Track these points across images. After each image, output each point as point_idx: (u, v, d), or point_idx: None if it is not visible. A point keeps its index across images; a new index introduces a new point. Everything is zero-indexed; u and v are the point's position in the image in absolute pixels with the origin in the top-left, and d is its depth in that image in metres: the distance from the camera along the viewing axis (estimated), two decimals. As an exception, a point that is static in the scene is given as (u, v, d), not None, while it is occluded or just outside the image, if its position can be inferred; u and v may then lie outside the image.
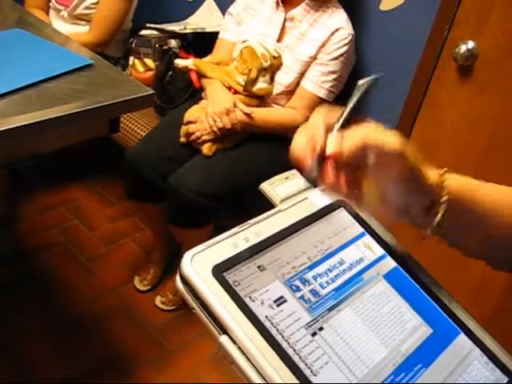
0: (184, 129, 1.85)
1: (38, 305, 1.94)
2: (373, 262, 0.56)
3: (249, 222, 0.53)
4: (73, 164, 2.58)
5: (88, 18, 2.18)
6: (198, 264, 0.47)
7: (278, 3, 1.87)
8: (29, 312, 1.91)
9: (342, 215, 0.59)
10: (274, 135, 1.89)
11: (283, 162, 1.97)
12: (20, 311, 1.91)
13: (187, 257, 0.47)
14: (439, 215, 0.52)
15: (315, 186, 0.61)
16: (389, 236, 0.60)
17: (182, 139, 1.86)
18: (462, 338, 0.53)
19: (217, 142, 1.81)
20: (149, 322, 2.01)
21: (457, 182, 0.54)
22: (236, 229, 0.52)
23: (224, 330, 0.44)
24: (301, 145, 0.51)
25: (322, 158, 0.49)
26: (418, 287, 0.56)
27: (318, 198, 0.59)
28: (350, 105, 0.53)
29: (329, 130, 0.51)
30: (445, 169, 0.54)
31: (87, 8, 2.17)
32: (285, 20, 1.87)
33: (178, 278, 0.48)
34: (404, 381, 0.47)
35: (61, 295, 2.02)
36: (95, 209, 2.48)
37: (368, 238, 0.58)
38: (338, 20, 1.80)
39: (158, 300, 2.08)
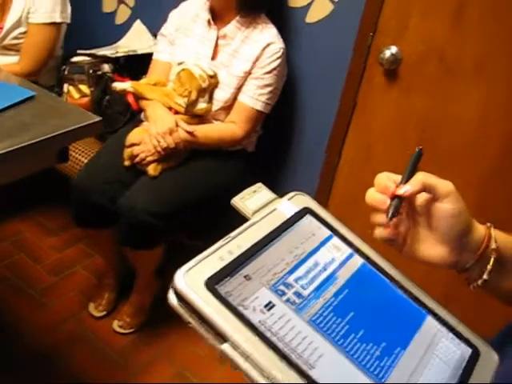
0: (128, 151, 1.86)
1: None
2: (343, 261, 0.61)
3: (230, 235, 0.57)
4: (13, 197, 2.52)
5: (17, 48, 2.16)
6: (191, 280, 0.51)
7: (209, 22, 1.92)
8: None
9: (309, 221, 0.64)
10: (217, 150, 1.94)
11: (227, 176, 2.03)
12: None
13: (180, 274, 0.51)
14: (490, 262, 0.59)
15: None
16: (352, 236, 0.65)
17: (127, 162, 1.87)
18: (429, 319, 0.60)
19: (162, 161, 1.84)
20: (109, 347, 2.00)
21: (500, 235, 0.61)
22: (219, 243, 0.56)
23: (224, 339, 0.48)
24: (373, 194, 0.61)
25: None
26: (385, 279, 0.62)
27: (286, 208, 0.64)
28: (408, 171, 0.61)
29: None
30: (489, 224, 0.62)
31: (15, 38, 2.14)
32: (217, 38, 1.92)
33: (171, 296, 0.51)
34: (388, 363, 0.52)
35: (14, 330, 1.98)
36: (40, 240, 2.43)
37: (335, 240, 0.63)
38: (269, 35, 1.88)
39: (116, 324, 2.08)
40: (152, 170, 1.83)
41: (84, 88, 2.21)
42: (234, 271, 0.53)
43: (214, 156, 1.94)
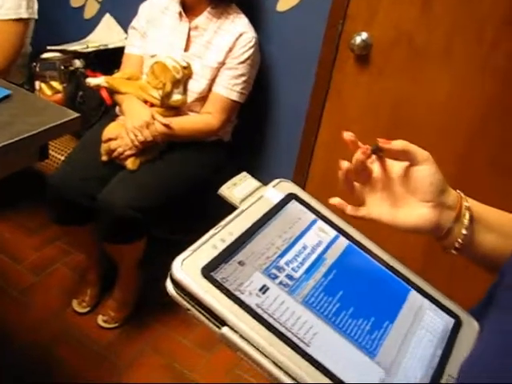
0: (105, 146, 1.86)
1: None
2: (329, 243, 0.64)
3: (220, 224, 0.59)
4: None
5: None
6: (187, 268, 0.53)
7: (180, 14, 1.92)
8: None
9: (295, 206, 0.67)
10: (194, 141, 1.96)
11: (205, 167, 2.04)
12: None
13: (177, 263, 0.53)
14: (466, 217, 0.63)
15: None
16: (336, 218, 0.68)
17: (104, 157, 1.87)
18: (414, 293, 0.63)
19: (140, 155, 1.84)
20: (95, 343, 2.00)
21: (470, 200, 0.66)
22: (211, 232, 0.58)
23: (223, 323, 0.50)
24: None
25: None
26: (370, 258, 0.65)
27: (272, 195, 0.67)
28: None
29: None
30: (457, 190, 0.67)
31: (-18, 36, 2.10)
32: (189, 29, 1.93)
33: (169, 284, 0.53)
34: (378, 336, 0.55)
35: (-1, 331, 1.98)
36: (18, 240, 2.41)
37: (321, 223, 0.66)
38: (241, 25, 1.89)
39: (100, 319, 2.08)
40: (131, 164, 1.83)
41: (56, 84, 2.19)
42: (228, 258, 0.55)
43: (191, 147, 1.95)
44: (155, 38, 1.97)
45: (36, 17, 2.20)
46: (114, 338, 2.04)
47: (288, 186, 0.69)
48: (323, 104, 2.04)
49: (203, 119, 1.95)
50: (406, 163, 0.65)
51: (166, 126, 1.84)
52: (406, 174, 0.65)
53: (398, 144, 0.63)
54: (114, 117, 1.99)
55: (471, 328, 0.63)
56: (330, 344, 0.52)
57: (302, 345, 0.51)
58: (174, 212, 2.06)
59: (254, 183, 0.68)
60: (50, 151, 2.06)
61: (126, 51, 2.04)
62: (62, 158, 2.05)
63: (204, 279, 0.52)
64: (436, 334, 0.60)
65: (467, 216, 0.64)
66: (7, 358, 1.87)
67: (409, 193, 0.65)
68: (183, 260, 0.53)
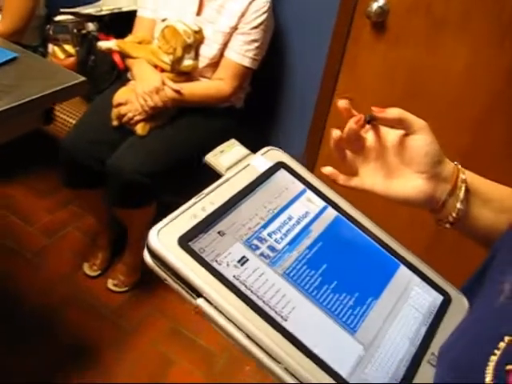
0: (115, 111, 1.85)
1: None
2: (317, 213, 0.62)
3: (203, 192, 0.58)
4: (2, 160, 2.51)
5: (-2, 8, 2.11)
6: (164, 238, 0.51)
7: (193, -23, 1.88)
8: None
9: (283, 175, 0.64)
10: (205, 107, 1.93)
11: (216, 133, 2.03)
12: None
13: (153, 232, 0.51)
14: (462, 189, 0.61)
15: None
16: (327, 189, 0.66)
17: (114, 122, 1.86)
18: (402, 268, 0.61)
19: (149, 120, 1.83)
20: (104, 306, 2.03)
21: (468, 172, 0.63)
22: (193, 200, 0.56)
23: (198, 294, 0.49)
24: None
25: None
26: (359, 230, 0.63)
27: (260, 163, 0.64)
28: None
29: None
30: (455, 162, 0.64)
31: (-5, -2, 2.09)
32: (202, -7, 1.88)
33: (146, 254, 0.52)
34: (360, 312, 0.54)
35: (12, 292, 2.01)
36: (31, 203, 2.44)
37: (309, 193, 0.64)
38: (255, -11, 1.84)
39: (110, 283, 2.11)
40: (140, 129, 1.82)
41: (69, 48, 2.17)
42: (208, 228, 0.54)
43: (202, 113, 1.93)
44: (167, 2, 1.93)
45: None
46: (123, 302, 2.07)
47: (277, 155, 0.66)
48: (338, 71, 1.99)
49: (215, 85, 1.92)
50: (402, 132, 0.62)
51: (177, 91, 1.82)
52: (401, 144, 0.62)
53: (394, 112, 0.61)
54: (125, 81, 1.97)
55: (461, 305, 0.61)
56: (308, 319, 0.51)
57: (278, 319, 0.49)
58: (183, 177, 2.05)
59: (242, 151, 0.66)
60: (62, 115, 2.06)
61: (138, 14, 2.01)
62: (74, 122, 2.04)
63: (180, 249, 0.51)
64: (422, 310, 0.58)
65: (463, 189, 0.61)
66: (17, 319, 1.91)
67: (403, 164, 0.63)
68: (160, 229, 0.52)
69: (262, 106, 2.23)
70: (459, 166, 0.63)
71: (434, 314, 0.58)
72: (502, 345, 0.41)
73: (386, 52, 1.86)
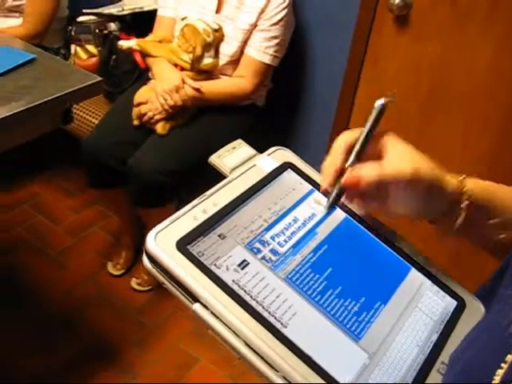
0: (136, 111, 1.85)
1: (14, 304, 1.94)
2: (324, 215, 0.60)
3: (205, 193, 0.56)
4: (29, 160, 2.55)
5: (20, 9, 2.13)
6: (162, 241, 0.50)
7: (212, -26, 1.87)
8: (4, 310, 1.91)
9: (290, 176, 0.62)
10: (226, 105, 1.92)
11: (237, 131, 2.01)
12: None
13: (151, 236, 0.50)
14: (460, 219, 0.56)
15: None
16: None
17: (135, 122, 1.86)
18: (414, 272, 0.58)
19: (170, 119, 1.83)
20: (127, 305, 2.04)
21: (476, 186, 0.57)
22: (194, 202, 0.55)
23: (196, 299, 0.47)
24: (325, 168, 0.58)
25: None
26: (369, 232, 0.60)
27: (266, 164, 0.62)
28: (368, 125, 0.56)
29: (351, 149, 0.57)
30: (463, 175, 0.57)
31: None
32: (221, -10, 1.87)
33: (144, 257, 0.51)
34: (366, 318, 0.51)
35: (35, 291, 2.03)
36: (57, 202, 2.46)
37: (317, 194, 0.61)
38: (274, -15, 1.82)
39: (134, 282, 2.11)
40: (160, 128, 1.82)
41: (91, 48, 2.18)
42: (208, 230, 0.52)
43: (222, 111, 1.91)
44: (187, 0, 1.92)
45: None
46: (146, 301, 2.07)
47: (285, 155, 0.65)
48: (360, 66, 1.95)
49: (235, 83, 1.91)
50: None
51: (197, 89, 1.81)
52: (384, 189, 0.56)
53: (369, 181, 0.55)
54: (147, 80, 1.97)
55: (476, 311, 0.58)
56: (310, 325, 0.49)
57: (278, 325, 0.47)
58: (204, 176, 2.05)
59: (249, 151, 0.64)
60: (84, 114, 2.07)
61: (158, 13, 2.01)
62: (96, 121, 2.05)
63: (178, 252, 0.49)
64: (433, 316, 0.55)
65: (465, 205, 0.56)
66: (41, 318, 1.93)
67: (390, 201, 0.57)
68: (159, 232, 0.51)
69: (284, 103, 2.20)
70: (463, 180, 0.57)
71: (446, 320, 0.56)
72: (509, 357, 0.39)
73: (409, 46, 1.81)
